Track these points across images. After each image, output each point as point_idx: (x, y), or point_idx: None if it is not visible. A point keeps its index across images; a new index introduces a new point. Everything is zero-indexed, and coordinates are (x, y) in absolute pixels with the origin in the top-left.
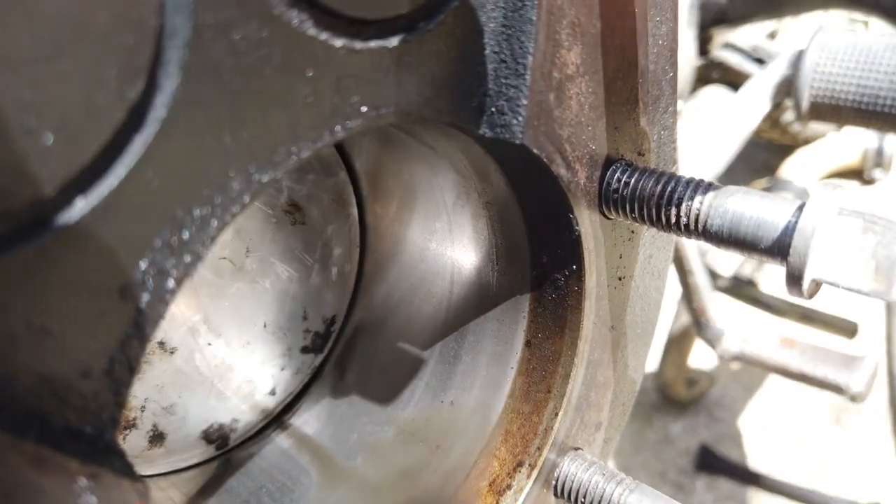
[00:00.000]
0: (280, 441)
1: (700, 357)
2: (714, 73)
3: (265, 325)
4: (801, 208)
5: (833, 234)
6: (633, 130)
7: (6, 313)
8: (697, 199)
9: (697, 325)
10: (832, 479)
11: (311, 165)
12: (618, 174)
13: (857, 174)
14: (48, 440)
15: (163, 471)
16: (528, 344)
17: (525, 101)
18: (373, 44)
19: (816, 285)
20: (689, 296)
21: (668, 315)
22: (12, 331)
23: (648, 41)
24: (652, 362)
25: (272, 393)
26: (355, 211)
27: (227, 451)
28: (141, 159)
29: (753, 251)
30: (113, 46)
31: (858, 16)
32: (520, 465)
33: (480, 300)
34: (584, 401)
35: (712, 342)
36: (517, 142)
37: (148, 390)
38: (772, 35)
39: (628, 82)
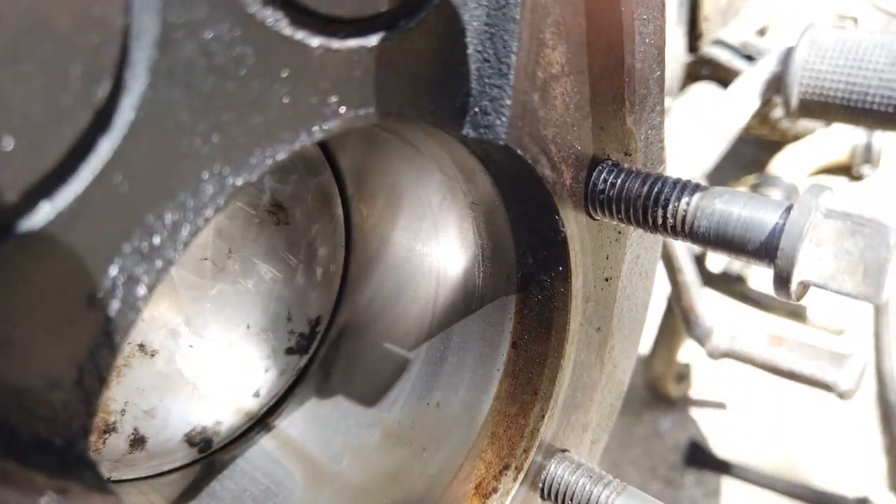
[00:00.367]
0: (264, 443)
1: (689, 354)
2: (704, 69)
3: (248, 327)
4: (788, 210)
5: (821, 236)
6: (619, 130)
7: None
8: (684, 200)
9: (686, 322)
10: (821, 474)
11: (295, 165)
12: (604, 175)
13: (845, 171)
14: (14, 453)
15: (144, 475)
16: (514, 345)
17: (509, 102)
18: (351, 43)
19: (804, 288)
20: (677, 293)
21: (657, 312)
22: None
23: (635, 40)
24: (642, 357)
25: (256, 395)
26: (340, 211)
27: (210, 455)
28: (108, 163)
29: (741, 253)
30: (76, 47)
31: (847, 12)
32: (506, 467)
33: (466, 302)
34: (570, 402)
35: (701, 340)
36: (501, 142)
37: (128, 393)
38: (761, 32)
39: (614, 81)
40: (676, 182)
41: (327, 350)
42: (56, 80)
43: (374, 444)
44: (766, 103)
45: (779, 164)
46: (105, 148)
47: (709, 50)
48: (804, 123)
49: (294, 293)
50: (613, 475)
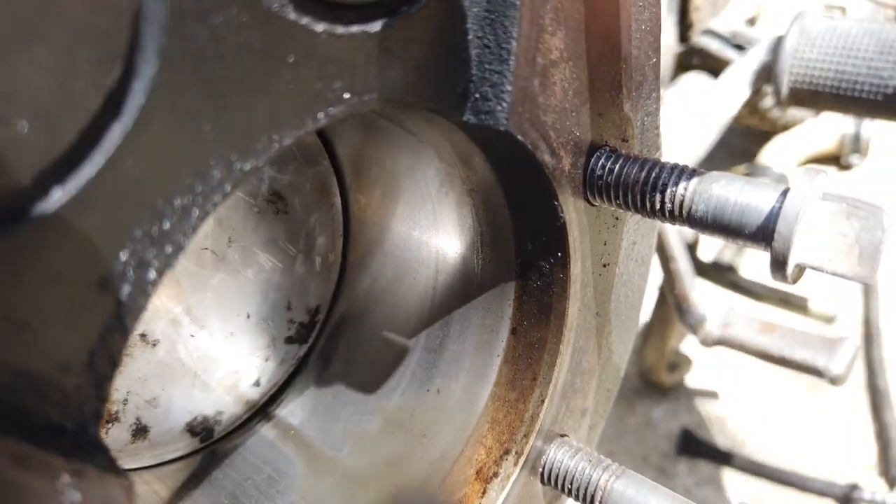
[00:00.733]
0: (265, 432)
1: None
2: (694, 59)
3: (248, 316)
4: (784, 194)
5: (817, 219)
6: (616, 116)
7: None
8: (682, 185)
9: (679, 310)
10: (811, 461)
11: (294, 154)
12: (602, 160)
13: (834, 160)
14: (30, 437)
15: (147, 464)
16: (513, 331)
17: (509, 87)
18: (354, 28)
19: (800, 270)
20: (670, 282)
21: (650, 301)
22: None
23: (632, 26)
24: (634, 346)
25: (257, 384)
26: (339, 200)
27: (212, 444)
28: (119, 148)
29: (738, 237)
30: (88, 31)
31: (835, 2)
32: (506, 452)
33: (465, 288)
34: (569, 387)
35: (694, 328)
36: (501, 128)
37: (130, 383)
38: (751, 21)
39: (612, 68)
40: (674, 167)
41: (327, 339)
42: (68, 65)
43: (374, 432)
44: (757, 93)
45: (769, 154)
46: (116, 132)
47: (699, 40)
48: (794, 113)
49: (293, 282)
50: None
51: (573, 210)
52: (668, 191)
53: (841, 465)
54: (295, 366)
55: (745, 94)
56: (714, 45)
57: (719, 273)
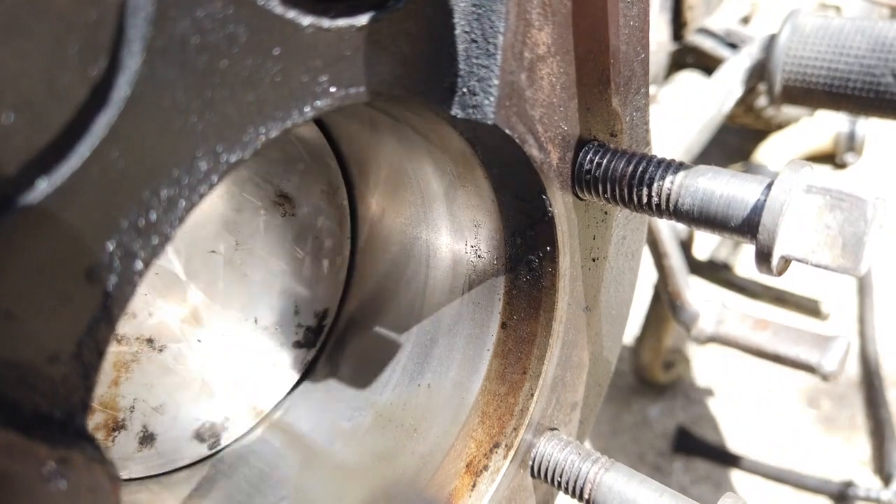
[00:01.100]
0: (257, 427)
1: (677, 340)
2: (688, 58)
3: (256, 321)
4: (769, 186)
5: (801, 211)
6: (605, 111)
7: None
8: (668, 178)
9: (672, 307)
10: (806, 458)
11: (301, 155)
12: (590, 155)
13: (829, 159)
14: (16, 426)
15: (154, 473)
16: (503, 326)
17: (496, 82)
18: (341, 22)
19: (785, 262)
20: (664, 279)
21: (644, 299)
22: None
23: (619, 22)
24: (630, 345)
25: (265, 390)
26: (346, 201)
27: (220, 451)
28: (105, 139)
29: (724, 230)
30: (74, 23)
31: (830, 1)
32: (496, 445)
33: (456, 284)
34: (559, 381)
35: (687, 324)
36: (489, 122)
37: (137, 390)
38: (745, 20)
39: (600, 63)
40: (661, 161)
41: (334, 343)
42: (54, 57)
43: (366, 426)
44: (751, 91)
45: (764, 153)
46: (102, 124)
47: (693, 38)
48: (788, 112)
49: (301, 286)
50: None
51: (561, 204)
52: (655, 184)
53: (836, 463)
54: (303, 371)
55: (738, 92)
56: (708, 44)
57: (714, 271)
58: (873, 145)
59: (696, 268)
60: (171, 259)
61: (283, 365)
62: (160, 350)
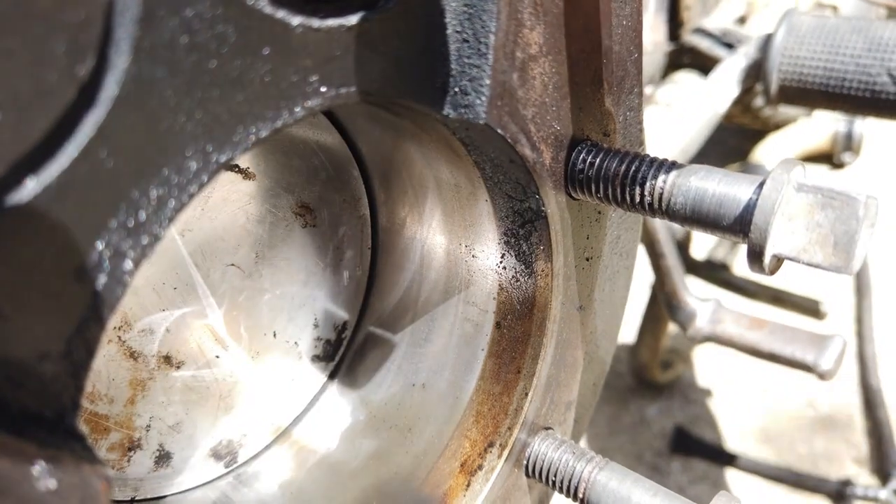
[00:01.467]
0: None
1: (674, 340)
2: (685, 58)
3: (275, 335)
4: (761, 185)
5: (792, 209)
6: (597, 111)
7: None
8: (661, 178)
9: (669, 307)
10: (804, 458)
11: (324, 164)
12: (583, 154)
13: (827, 158)
14: (4, 424)
15: (170, 493)
16: (497, 325)
17: (488, 81)
18: (331, 22)
19: (778, 261)
20: (660, 279)
21: (642, 299)
22: None
23: (612, 21)
24: (627, 345)
25: (282, 405)
26: (367, 211)
27: (237, 468)
28: (93, 139)
29: (716, 229)
30: (60, 22)
31: (827, 0)
32: (491, 445)
33: (451, 283)
34: (553, 381)
35: (684, 324)
36: (480, 122)
37: (153, 408)
38: (742, 20)
39: (592, 63)
40: (653, 160)
41: (353, 357)
42: (41, 56)
43: (361, 426)
44: (748, 91)
45: (762, 153)
46: (90, 124)
47: (690, 38)
48: (786, 112)
49: (321, 299)
50: None
51: (555, 203)
52: (648, 184)
53: (833, 462)
54: (321, 385)
55: (734, 91)
56: (704, 44)
57: (712, 271)
58: (871, 145)
59: (694, 268)
60: (189, 273)
61: (301, 379)
62: (177, 367)
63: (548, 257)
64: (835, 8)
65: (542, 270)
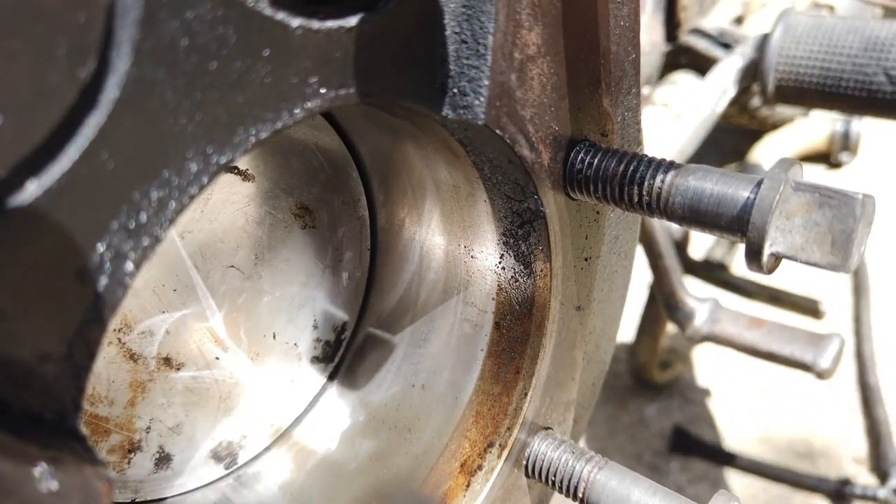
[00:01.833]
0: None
1: (673, 340)
2: (682, 58)
3: (275, 336)
4: (758, 185)
5: (790, 208)
6: (596, 111)
7: None
8: (659, 177)
9: (667, 307)
10: (803, 457)
11: (323, 166)
12: (581, 155)
13: (824, 158)
14: (6, 425)
15: (170, 494)
16: (497, 325)
17: (486, 82)
18: (331, 23)
19: (776, 260)
20: (659, 279)
21: (640, 299)
22: None
23: (610, 22)
24: (626, 345)
25: (282, 406)
26: (366, 212)
27: (237, 470)
28: (94, 140)
29: (714, 228)
30: (62, 25)
31: (823, 1)
32: (490, 445)
33: (450, 283)
34: (553, 381)
35: (682, 324)
36: (479, 122)
37: (153, 410)
38: (738, 20)
39: (590, 63)
40: (651, 160)
41: (352, 358)
42: (43, 58)
43: (360, 427)
44: (745, 91)
45: (759, 153)
46: (91, 126)
47: (687, 38)
48: (783, 112)
49: (320, 300)
50: None
51: (553, 204)
52: (646, 183)
53: (832, 461)
54: (321, 387)
55: (731, 92)
56: (701, 44)
57: (710, 271)
58: (868, 144)
59: (693, 268)
60: (189, 274)
61: (301, 380)
62: (177, 369)
63: (546, 257)
64: (831, 8)
65: (541, 270)
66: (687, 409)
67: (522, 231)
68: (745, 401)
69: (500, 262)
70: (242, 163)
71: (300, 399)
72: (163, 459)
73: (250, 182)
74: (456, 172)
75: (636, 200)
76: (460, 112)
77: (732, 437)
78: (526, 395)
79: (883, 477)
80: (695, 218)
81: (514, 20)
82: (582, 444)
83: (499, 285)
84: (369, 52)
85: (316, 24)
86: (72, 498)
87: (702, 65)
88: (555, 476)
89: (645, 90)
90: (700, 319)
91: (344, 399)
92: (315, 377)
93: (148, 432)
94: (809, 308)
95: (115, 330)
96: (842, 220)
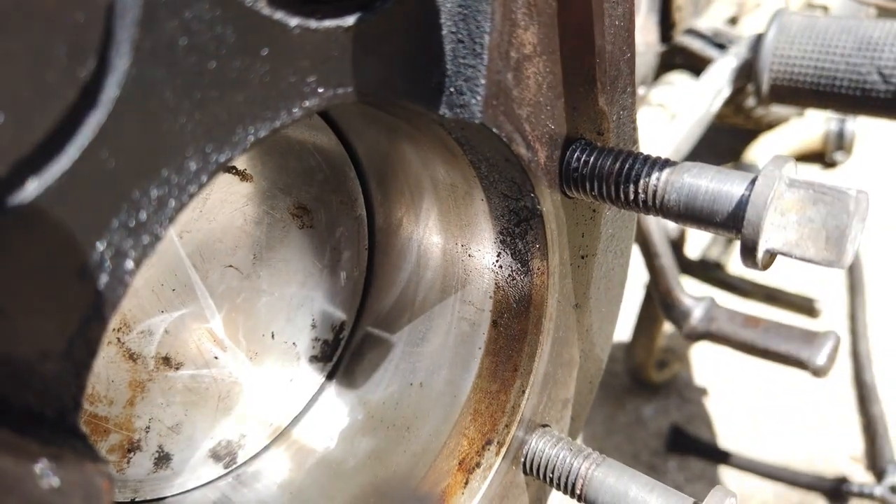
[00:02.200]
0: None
1: (670, 339)
2: (677, 58)
3: (273, 336)
4: (753, 182)
5: (784, 205)
6: (591, 110)
7: None
8: (655, 175)
9: (664, 306)
10: (800, 455)
11: (320, 166)
12: (577, 153)
13: (819, 158)
14: (7, 423)
15: (169, 494)
16: (494, 324)
17: (483, 81)
18: (328, 23)
19: (770, 256)
20: (655, 278)
21: (636, 299)
22: None
23: (605, 21)
24: (623, 345)
25: (281, 405)
26: (364, 211)
27: (236, 469)
28: (94, 139)
29: (709, 225)
30: (61, 24)
31: (818, 1)
32: (488, 443)
33: (447, 282)
34: (550, 378)
35: (679, 322)
36: (476, 121)
37: (153, 409)
38: (733, 20)
39: (586, 62)
40: (647, 158)
41: (351, 357)
42: (42, 58)
43: (359, 426)
44: (740, 91)
45: (754, 153)
46: (91, 124)
47: (681, 39)
48: (777, 112)
49: (318, 299)
50: None
51: (550, 202)
52: (642, 181)
53: (829, 460)
54: (319, 386)
55: (726, 92)
56: (696, 44)
57: (706, 270)
58: (863, 144)
59: (688, 267)
60: (188, 274)
61: (299, 379)
62: (176, 368)
63: (543, 255)
64: (825, 8)
65: (538, 269)
66: (684, 409)
67: (519, 229)
68: (741, 399)
69: (497, 261)
70: (240, 163)
71: (299, 398)
72: (162, 459)
73: (248, 182)
74: (453, 171)
75: (632, 198)
76: (457, 111)
77: (729, 436)
78: (524, 392)
79: (879, 475)
80: (690, 215)
81: (510, 20)
82: (579, 442)
83: (496, 284)
84: (367, 52)
85: (314, 24)
86: (73, 495)
87: (697, 65)
88: (553, 473)
89: (640, 91)
90: (696, 318)
91: (342, 398)
92: (313, 376)
93: (147, 432)
94: (805, 306)
95: (114, 329)
96: (836, 216)
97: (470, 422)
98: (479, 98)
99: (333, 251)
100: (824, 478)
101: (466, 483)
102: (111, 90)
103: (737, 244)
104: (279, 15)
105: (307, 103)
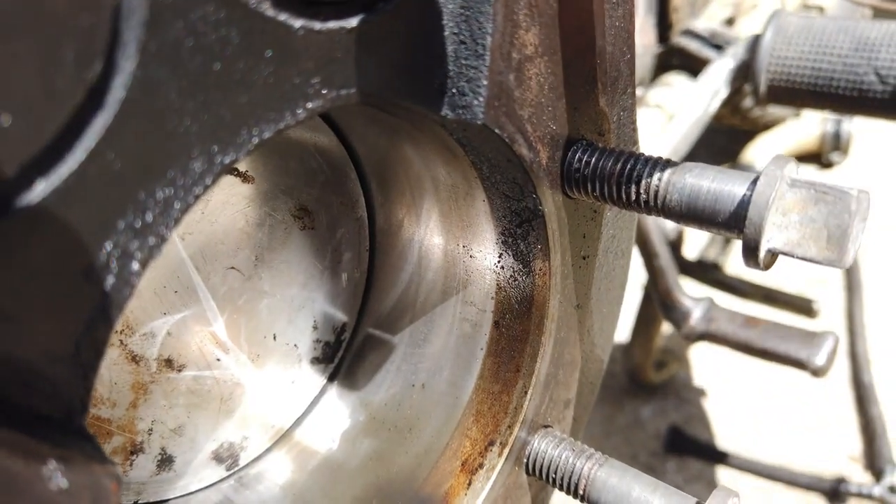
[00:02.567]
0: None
1: (668, 340)
2: (674, 59)
3: (275, 338)
4: (755, 181)
5: (786, 205)
6: (592, 111)
7: None
8: (656, 175)
9: (663, 306)
10: (799, 456)
11: (321, 167)
12: (579, 154)
13: (815, 158)
14: (15, 425)
15: (172, 496)
16: (496, 324)
17: (485, 82)
18: (332, 24)
19: (772, 256)
20: (654, 278)
21: (635, 300)
22: None
23: (605, 22)
24: (621, 346)
25: (283, 407)
26: (365, 213)
27: (238, 471)
28: (101, 141)
29: (711, 225)
30: (69, 27)
31: (813, 2)
32: (491, 443)
33: (449, 283)
34: (552, 379)
35: (678, 323)
36: (478, 122)
37: (156, 411)
38: (730, 21)
39: (587, 63)
40: (648, 159)
41: (352, 359)
42: (49, 59)
43: (361, 427)
44: (737, 91)
45: (751, 153)
46: (98, 126)
47: (679, 40)
48: (774, 112)
49: (320, 301)
50: None
51: (551, 203)
52: (643, 182)
53: (827, 460)
54: (321, 388)
55: (723, 92)
56: (693, 45)
57: (704, 271)
58: (859, 144)
59: (686, 268)
60: (190, 276)
61: (301, 381)
62: (179, 370)
63: (545, 256)
64: (821, 9)
65: (540, 269)
66: (682, 409)
67: (521, 230)
68: (740, 400)
69: (498, 262)
70: (242, 164)
71: (301, 400)
72: (165, 461)
73: (250, 184)
74: (454, 172)
75: (633, 199)
76: (459, 112)
77: (728, 437)
78: (526, 393)
79: (878, 475)
80: (692, 215)
81: (512, 21)
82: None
83: (498, 284)
84: (370, 53)
85: (318, 25)
86: (82, 496)
87: (694, 66)
88: (555, 473)
89: (638, 92)
90: (695, 318)
91: (344, 399)
92: (315, 378)
93: (150, 434)
94: (803, 307)
95: (117, 332)
96: (837, 216)
97: (472, 423)
98: (481, 99)
99: (334, 252)
100: (823, 478)
101: (469, 484)
102: (118, 91)
103: (735, 245)
104: (283, 16)
105: (311, 104)
